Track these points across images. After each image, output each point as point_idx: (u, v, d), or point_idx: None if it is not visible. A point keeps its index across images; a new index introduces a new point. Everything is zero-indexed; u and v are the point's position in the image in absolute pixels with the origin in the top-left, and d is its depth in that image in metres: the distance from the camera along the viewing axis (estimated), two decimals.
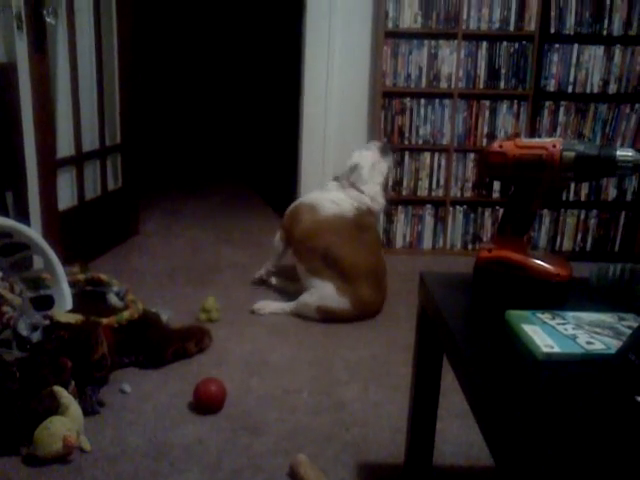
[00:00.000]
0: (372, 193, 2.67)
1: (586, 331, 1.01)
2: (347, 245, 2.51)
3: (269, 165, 5.76)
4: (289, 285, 2.81)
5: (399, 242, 3.50)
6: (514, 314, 1.07)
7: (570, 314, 1.08)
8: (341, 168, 2.84)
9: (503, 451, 0.76)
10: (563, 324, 1.04)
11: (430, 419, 1.39)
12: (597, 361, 0.93)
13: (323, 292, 2.48)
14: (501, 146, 1.15)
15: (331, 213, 2.57)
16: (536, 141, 1.13)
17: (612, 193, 3.44)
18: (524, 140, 1.15)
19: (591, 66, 3.29)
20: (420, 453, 1.42)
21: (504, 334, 1.03)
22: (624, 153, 1.06)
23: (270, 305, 2.60)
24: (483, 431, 0.85)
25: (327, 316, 2.50)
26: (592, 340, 0.97)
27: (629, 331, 1.00)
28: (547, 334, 0.99)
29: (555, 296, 1.14)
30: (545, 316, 1.06)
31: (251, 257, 3.27)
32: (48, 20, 2.55)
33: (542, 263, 1.16)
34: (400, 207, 3.47)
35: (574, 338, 0.98)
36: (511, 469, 0.73)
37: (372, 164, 2.71)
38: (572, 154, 1.09)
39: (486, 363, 0.94)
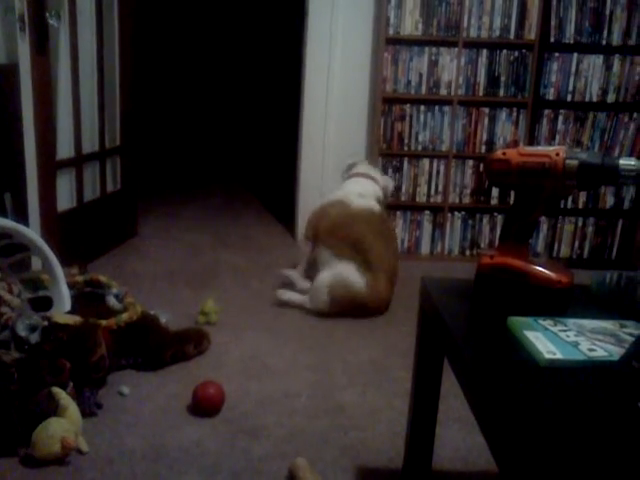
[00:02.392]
0: (380, 177, 2.87)
1: (588, 338, 1.02)
2: (377, 239, 2.59)
3: (268, 169, 5.77)
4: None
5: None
6: (516, 320, 1.07)
7: (571, 321, 1.09)
8: (341, 174, 3.01)
9: (506, 456, 0.76)
10: (565, 331, 1.04)
11: (430, 424, 1.40)
12: (599, 368, 0.93)
13: (343, 268, 2.54)
14: (505, 153, 1.16)
15: (361, 206, 2.65)
16: (539, 149, 1.14)
17: (610, 201, 3.46)
18: (527, 148, 1.15)
19: (590, 75, 3.31)
20: (419, 457, 1.42)
21: (506, 340, 1.04)
22: (627, 162, 1.07)
23: (292, 295, 2.66)
24: (486, 436, 0.85)
25: (338, 296, 2.52)
26: (594, 347, 0.98)
27: (630, 338, 1.00)
28: (549, 340, 1.00)
29: (557, 303, 1.15)
30: (547, 323, 1.07)
31: (250, 260, 3.28)
32: (51, 22, 2.56)
33: (544, 270, 1.16)
34: (399, 212, 3.48)
35: (576, 345, 0.99)
36: (514, 474, 0.73)
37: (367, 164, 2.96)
38: (575, 162, 1.10)
39: (489, 369, 0.94)
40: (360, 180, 2.80)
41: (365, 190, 2.73)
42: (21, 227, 2.07)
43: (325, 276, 2.57)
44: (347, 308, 2.54)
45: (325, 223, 2.67)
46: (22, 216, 2.62)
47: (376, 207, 2.67)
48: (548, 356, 0.95)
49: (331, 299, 2.54)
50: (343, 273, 2.54)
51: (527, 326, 1.05)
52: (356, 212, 2.62)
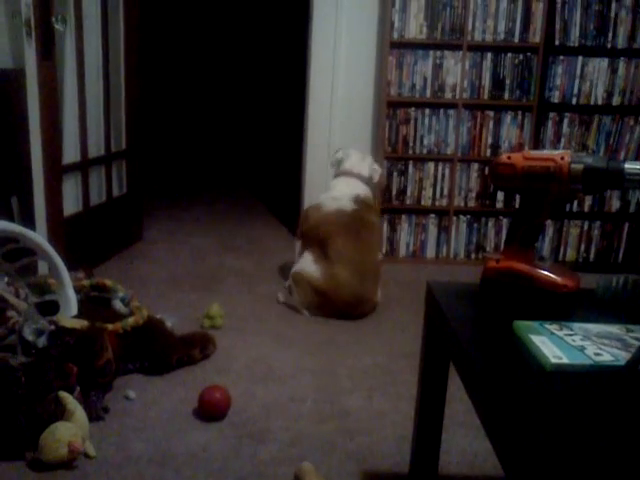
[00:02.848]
0: (367, 169, 2.91)
1: (594, 342, 1.01)
2: (340, 236, 2.68)
3: (273, 173, 5.78)
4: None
5: (402, 251, 3.51)
6: (522, 325, 1.07)
7: (577, 325, 1.08)
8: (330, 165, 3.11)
9: (513, 461, 0.76)
10: (571, 335, 1.04)
11: (436, 428, 1.39)
12: (605, 372, 0.93)
13: (302, 260, 2.72)
14: (510, 157, 1.16)
15: (332, 209, 2.78)
16: (545, 153, 1.14)
17: (615, 204, 3.45)
18: (532, 152, 1.15)
19: (595, 78, 3.31)
20: (425, 462, 1.42)
21: (512, 344, 1.04)
22: (632, 166, 1.07)
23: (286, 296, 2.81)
24: (492, 441, 0.85)
25: (301, 286, 2.65)
26: (600, 351, 0.98)
27: (637, 343, 1.00)
28: (555, 345, 1.00)
29: (562, 307, 1.15)
30: (553, 327, 1.07)
31: (255, 264, 3.28)
32: (57, 27, 2.57)
33: (550, 274, 1.16)
34: (404, 216, 3.48)
35: (582, 349, 0.99)
36: (521, 479, 0.73)
37: (358, 155, 2.97)
38: (580, 166, 1.10)
39: (495, 373, 0.94)
40: (341, 181, 2.90)
41: (341, 193, 2.83)
42: (28, 231, 2.07)
43: (292, 271, 2.76)
44: (315, 298, 2.64)
45: (305, 225, 2.86)
46: (29, 220, 2.64)
47: (348, 207, 2.77)
48: (554, 360, 0.95)
49: (299, 290, 2.67)
50: (302, 264, 2.72)
51: (533, 330, 1.05)
52: (326, 215, 2.77)
